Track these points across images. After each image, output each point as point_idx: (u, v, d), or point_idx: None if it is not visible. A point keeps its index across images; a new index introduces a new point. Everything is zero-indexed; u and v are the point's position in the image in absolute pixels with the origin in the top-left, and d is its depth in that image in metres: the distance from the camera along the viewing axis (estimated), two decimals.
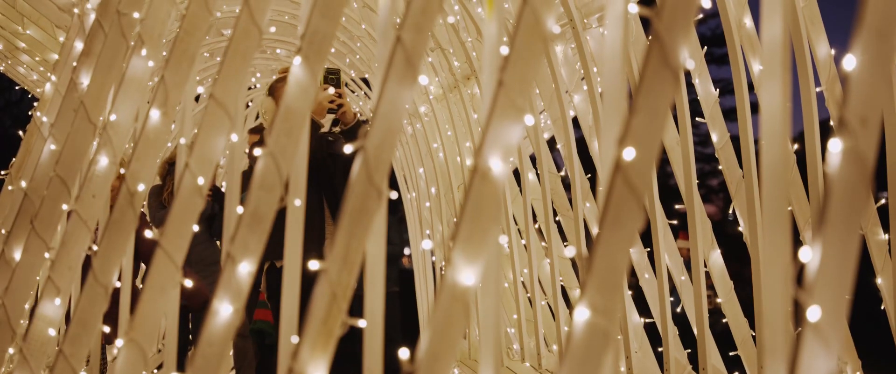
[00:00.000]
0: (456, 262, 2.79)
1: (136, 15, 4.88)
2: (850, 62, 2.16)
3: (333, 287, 3.11)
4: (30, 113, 6.58)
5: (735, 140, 5.91)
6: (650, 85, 2.41)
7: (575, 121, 7.91)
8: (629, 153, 2.37)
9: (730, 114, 5.87)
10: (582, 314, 2.32)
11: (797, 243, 5.50)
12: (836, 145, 2.11)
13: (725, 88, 5.74)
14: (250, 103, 13.17)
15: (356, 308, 3.30)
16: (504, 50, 3.06)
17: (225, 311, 3.50)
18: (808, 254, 2.09)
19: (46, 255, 4.68)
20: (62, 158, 4.72)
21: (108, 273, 4.21)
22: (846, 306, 2.08)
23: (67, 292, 4.55)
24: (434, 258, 10.94)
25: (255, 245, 3.57)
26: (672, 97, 2.45)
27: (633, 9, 2.95)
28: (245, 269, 3.54)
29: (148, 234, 4.55)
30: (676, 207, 6.57)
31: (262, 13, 4.04)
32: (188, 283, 4.14)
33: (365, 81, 11.86)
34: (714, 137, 6.41)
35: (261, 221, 3.59)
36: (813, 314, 2.04)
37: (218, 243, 8.51)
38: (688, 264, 6.96)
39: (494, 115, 2.90)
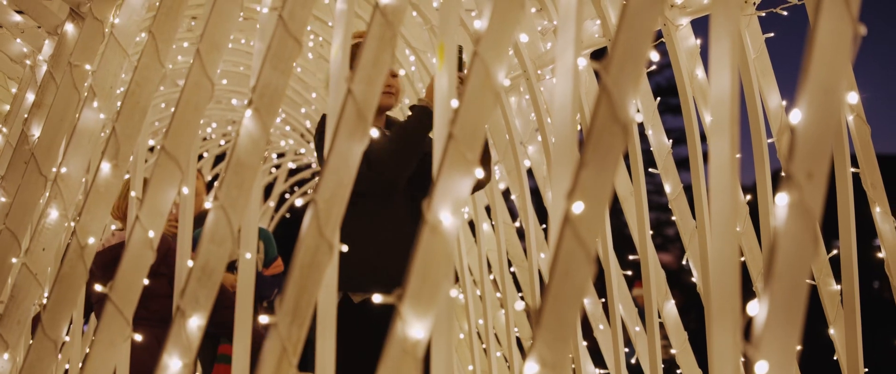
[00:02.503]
0: (406, 316, 2.78)
1: (87, 67, 4.87)
2: (795, 116, 2.18)
3: (284, 342, 3.09)
4: None
5: (689, 189, 5.93)
6: (599, 138, 2.42)
7: (530, 171, 7.92)
8: (578, 207, 2.37)
9: (684, 163, 5.89)
10: (531, 368, 2.31)
11: (750, 294, 5.52)
12: (782, 199, 2.12)
13: (680, 137, 5.75)
14: (205, 154, 13.13)
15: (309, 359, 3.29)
16: (455, 103, 3.07)
17: (174, 366, 3.47)
18: (755, 308, 2.09)
19: None
20: (12, 211, 4.69)
21: (57, 328, 4.17)
22: (794, 359, 2.08)
23: (16, 347, 4.50)
24: None
25: (205, 300, 3.54)
26: (621, 151, 2.46)
27: (583, 62, 2.95)
28: (195, 323, 3.51)
29: (98, 288, 4.51)
30: (630, 257, 6.57)
31: (213, 66, 4.04)
32: (138, 337, 4.11)
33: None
34: (667, 189, 6.43)
35: (211, 274, 3.57)
36: (761, 369, 2.04)
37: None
38: (642, 314, 6.96)
39: (445, 168, 2.89)
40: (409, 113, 4.96)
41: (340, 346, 3.53)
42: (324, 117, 4.84)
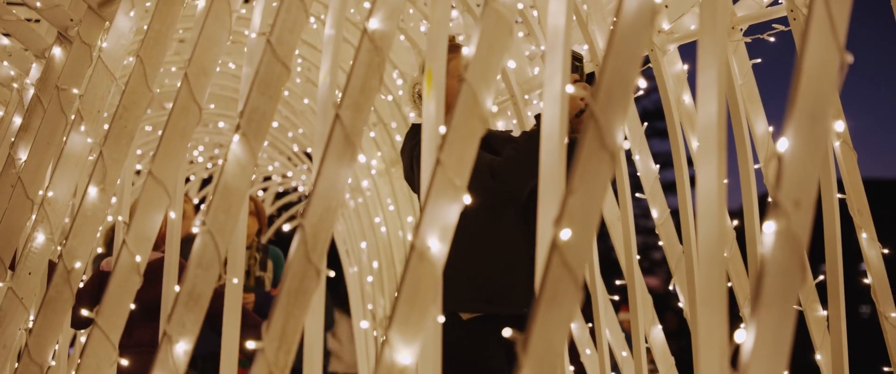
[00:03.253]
0: (393, 342, 2.78)
1: (75, 90, 4.87)
2: (782, 144, 2.18)
3: (271, 368, 3.08)
4: None
5: (676, 213, 5.94)
6: (586, 165, 2.42)
7: None
8: (566, 233, 2.37)
9: (672, 186, 5.89)
10: None
11: (737, 319, 5.52)
12: (769, 227, 2.13)
13: (668, 161, 5.78)
14: (191, 177, 13.10)
15: None
16: (443, 129, 3.07)
17: None
18: (742, 335, 2.09)
19: None
20: None
21: (43, 352, 4.16)
22: None
23: (1, 371, 4.49)
24: (376, 334, 10.89)
25: (192, 325, 3.54)
26: (609, 178, 2.46)
27: (570, 89, 2.96)
28: (182, 348, 3.51)
29: (84, 313, 4.48)
30: (617, 282, 6.57)
31: (201, 90, 4.04)
32: (124, 362, 4.10)
33: (308, 154, 11.85)
34: (654, 214, 6.43)
35: (198, 299, 3.56)
36: None
37: None
38: (629, 339, 6.96)
39: (432, 194, 2.89)
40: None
41: (447, 368, 3.39)
42: (414, 127, 4.67)
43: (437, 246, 2.88)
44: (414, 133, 4.71)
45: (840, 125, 5.22)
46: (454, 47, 4.73)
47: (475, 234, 4.58)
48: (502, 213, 4.71)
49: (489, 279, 4.63)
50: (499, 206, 4.68)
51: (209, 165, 13.20)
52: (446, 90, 4.21)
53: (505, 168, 4.55)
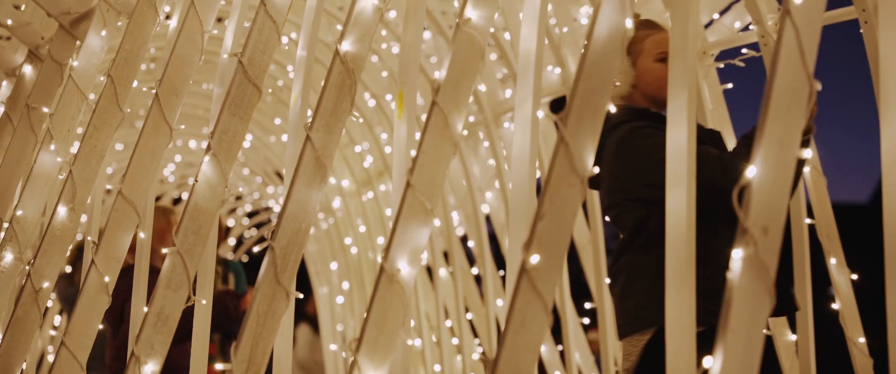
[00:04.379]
0: (362, 365, 2.77)
1: (45, 109, 4.85)
2: (750, 171, 2.19)
3: None
4: None
5: None
6: (556, 190, 2.42)
7: (488, 217, 7.92)
8: (535, 258, 2.37)
9: None
10: None
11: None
12: (737, 253, 2.13)
13: None
14: (162, 197, 13.05)
15: None
16: (413, 152, 3.07)
17: None
18: (709, 361, 2.10)
19: None
20: None
21: (10, 372, 4.13)
22: None
23: None
24: (344, 355, 10.85)
25: (161, 346, 3.52)
26: (579, 203, 2.47)
27: (541, 113, 2.97)
28: (150, 369, 3.49)
29: (51, 333, 4.45)
30: (587, 305, 6.58)
31: (172, 110, 4.04)
32: None
33: (279, 175, 11.82)
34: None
35: (166, 320, 3.55)
36: None
37: None
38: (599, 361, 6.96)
39: (402, 217, 2.89)
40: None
41: None
42: (634, 129, 4.04)
43: (407, 269, 2.88)
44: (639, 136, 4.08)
45: (808, 153, 5.24)
46: (647, 24, 4.32)
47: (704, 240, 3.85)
48: (724, 216, 4.11)
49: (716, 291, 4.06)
50: (723, 207, 4.03)
51: (175, 193, 13.15)
52: (640, 71, 4.06)
53: (734, 164, 3.91)
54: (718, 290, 4.25)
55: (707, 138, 4.26)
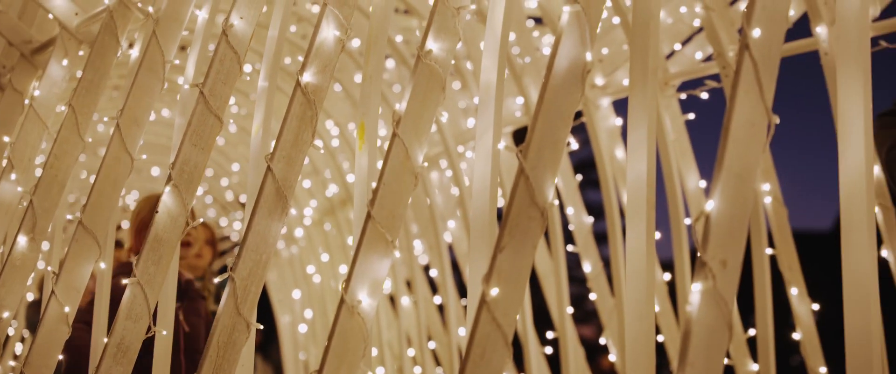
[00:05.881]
0: None
1: (6, 138, 4.83)
2: (709, 204, 2.20)
3: None
4: None
5: (609, 263, 5.94)
6: (516, 222, 2.43)
7: (450, 246, 7.93)
8: (494, 291, 2.37)
9: (605, 237, 5.90)
10: None
11: (670, 372, 5.54)
12: (696, 286, 2.14)
13: (602, 211, 5.78)
14: (124, 224, 12.96)
15: None
16: (374, 184, 3.07)
17: None
18: None
19: None
20: None
21: None
22: None
23: None
24: None
25: None
26: (539, 235, 2.47)
27: (502, 145, 2.97)
28: None
29: (11, 363, 4.42)
30: (549, 335, 6.57)
31: (133, 141, 4.02)
32: None
33: (242, 203, 11.78)
34: (586, 268, 6.45)
35: (126, 351, 3.53)
36: None
37: None
38: None
39: (363, 248, 2.89)
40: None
41: None
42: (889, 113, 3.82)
43: (367, 300, 2.88)
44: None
45: (767, 185, 5.26)
46: None
47: None
48: None
49: None
50: None
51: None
52: None
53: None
54: None
55: None
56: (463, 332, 7.18)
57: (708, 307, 2.10)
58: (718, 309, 2.10)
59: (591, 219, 6.63)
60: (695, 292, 2.14)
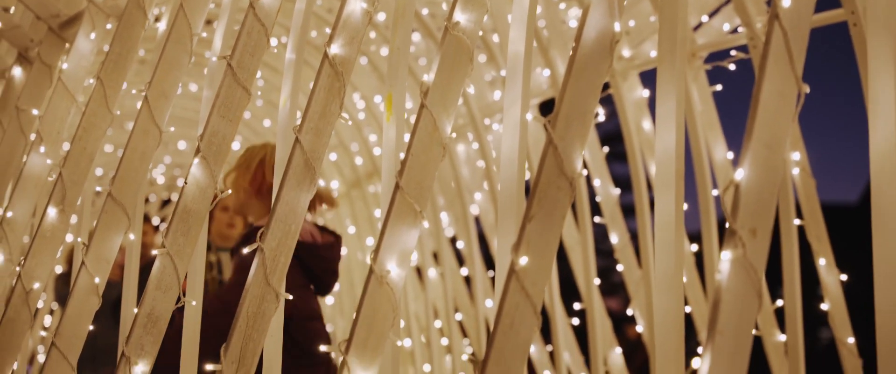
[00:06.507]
0: (351, 366, 2.77)
1: (35, 111, 4.84)
2: (739, 174, 2.20)
3: None
4: None
5: (637, 236, 5.94)
6: (545, 192, 2.43)
7: (477, 218, 7.93)
8: (524, 260, 2.37)
9: (632, 208, 5.89)
10: None
11: (697, 344, 5.54)
12: (725, 255, 2.14)
13: (629, 183, 5.78)
14: (152, 197, 13.02)
15: None
16: (402, 154, 3.08)
17: None
18: (698, 362, 2.11)
19: None
20: None
21: (1, 372, 4.13)
22: None
23: None
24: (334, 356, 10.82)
25: (151, 347, 3.52)
26: (568, 205, 2.47)
27: (530, 116, 2.97)
28: (140, 370, 3.49)
29: (42, 333, 4.44)
30: (576, 307, 6.58)
31: (161, 113, 4.04)
32: None
33: None
34: (613, 239, 6.45)
35: (156, 321, 3.55)
36: None
37: None
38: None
39: (391, 219, 2.90)
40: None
41: None
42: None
43: (396, 271, 2.89)
44: None
45: (796, 155, 5.25)
46: None
47: None
48: None
49: None
50: None
51: (164, 194, 13.11)
52: None
53: None
54: None
55: None
56: (490, 304, 7.20)
57: (737, 276, 2.10)
58: (748, 277, 2.10)
59: (617, 191, 6.63)
60: (724, 260, 2.14)
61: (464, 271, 7.96)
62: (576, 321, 6.99)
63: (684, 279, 5.45)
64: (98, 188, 10.83)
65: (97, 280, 3.92)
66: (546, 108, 8.26)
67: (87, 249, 3.93)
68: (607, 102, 6.17)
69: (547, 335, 6.68)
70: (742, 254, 2.11)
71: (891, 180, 2.59)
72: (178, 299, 3.66)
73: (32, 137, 4.70)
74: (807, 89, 2.31)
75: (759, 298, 2.11)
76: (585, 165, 6.45)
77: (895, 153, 2.62)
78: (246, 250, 3.81)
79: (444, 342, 8.25)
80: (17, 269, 4.32)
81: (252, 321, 3.18)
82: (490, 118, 7.41)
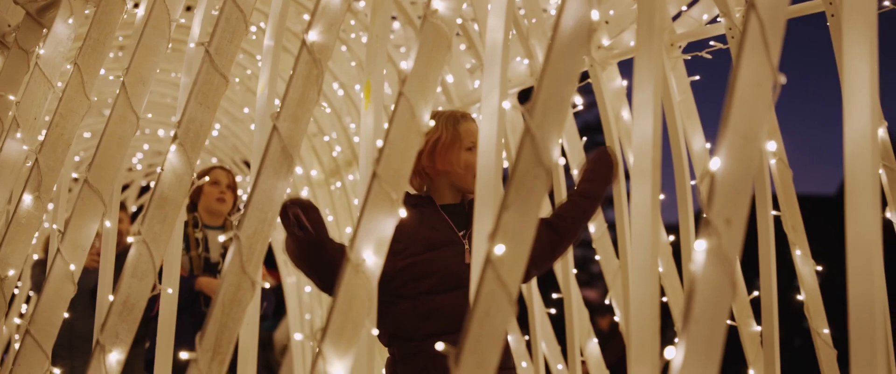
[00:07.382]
0: (327, 354, 2.77)
1: (11, 97, 4.83)
2: (715, 163, 2.20)
3: None
4: None
5: (614, 226, 5.94)
6: (522, 181, 2.43)
7: None
8: (500, 248, 2.38)
9: (610, 199, 5.89)
10: None
11: (674, 334, 5.55)
12: (700, 245, 2.14)
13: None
14: (129, 186, 12.98)
15: None
16: (379, 142, 3.07)
17: None
18: (672, 352, 2.11)
19: None
20: None
21: None
22: None
23: None
24: (311, 344, 10.83)
25: (126, 334, 3.52)
26: (544, 194, 2.47)
27: (507, 105, 2.97)
28: (115, 358, 3.49)
29: (17, 321, 4.43)
30: (554, 295, 6.58)
31: (139, 100, 4.02)
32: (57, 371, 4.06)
33: (247, 163, 11.77)
34: (591, 228, 6.45)
35: (132, 309, 3.54)
36: None
37: None
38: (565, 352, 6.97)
39: (368, 207, 2.90)
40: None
41: None
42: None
43: (372, 259, 2.89)
44: None
45: (772, 145, 5.25)
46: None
47: None
48: None
49: None
50: None
51: (143, 182, 13.07)
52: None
53: None
54: None
55: None
56: None
57: (712, 266, 2.10)
58: (723, 267, 2.10)
59: None
60: (699, 250, 2.15)
61: None
62: (553, 311, 7.00)
63: (660, 269, 5.47)
64: (75, 175, 10.80)
65: (72, 268, 3.91)
66: (525, 96, 8.25)
67: (62, 236, 3.92)
68: (587, 91, 6.18)
69: (524, 324, 6.68)
70: (717, 244, 2.12)
71: (864, 170, 2.60)
72: (154, 287, 3.65)
73: (9, 122, 4.68)
74: (783, 79, 2.31)
75: (733, 287, 2.12)
76: (564, 154, 6.45)
77: (869, 143, 2.63)
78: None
79: None
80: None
81: (227, 308, 3.17)
82: (470, 107, 7.41)
